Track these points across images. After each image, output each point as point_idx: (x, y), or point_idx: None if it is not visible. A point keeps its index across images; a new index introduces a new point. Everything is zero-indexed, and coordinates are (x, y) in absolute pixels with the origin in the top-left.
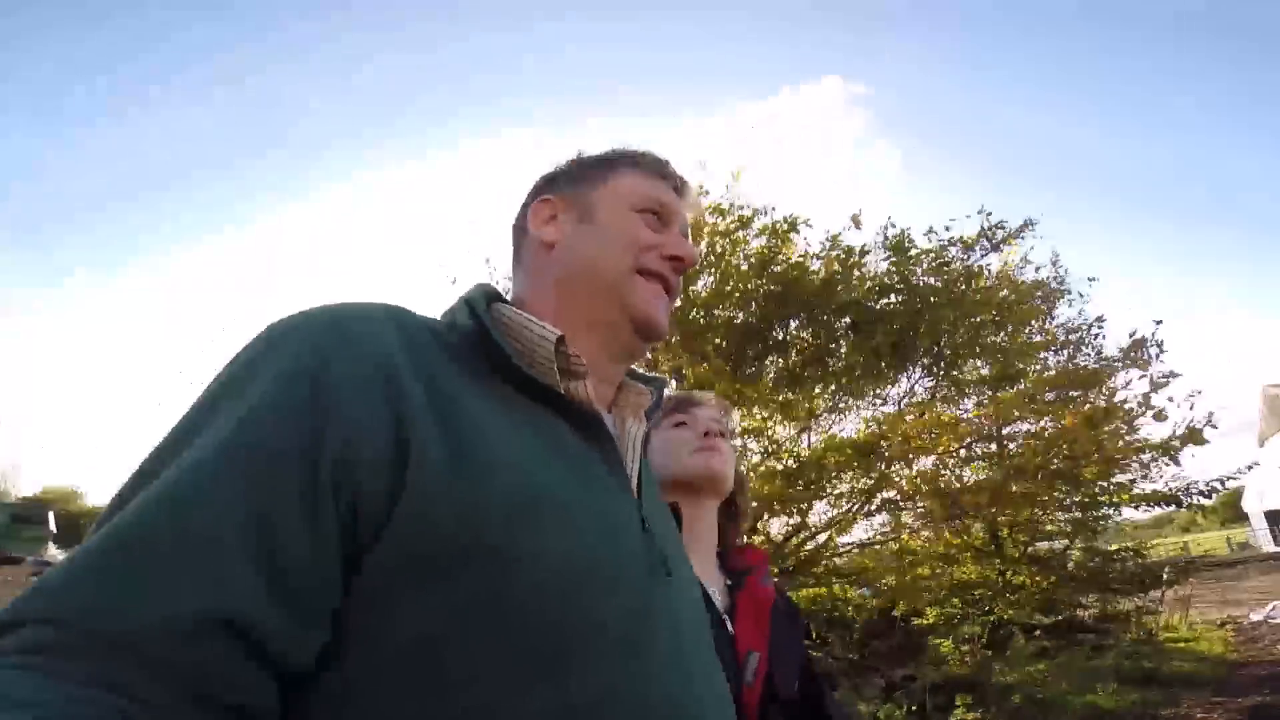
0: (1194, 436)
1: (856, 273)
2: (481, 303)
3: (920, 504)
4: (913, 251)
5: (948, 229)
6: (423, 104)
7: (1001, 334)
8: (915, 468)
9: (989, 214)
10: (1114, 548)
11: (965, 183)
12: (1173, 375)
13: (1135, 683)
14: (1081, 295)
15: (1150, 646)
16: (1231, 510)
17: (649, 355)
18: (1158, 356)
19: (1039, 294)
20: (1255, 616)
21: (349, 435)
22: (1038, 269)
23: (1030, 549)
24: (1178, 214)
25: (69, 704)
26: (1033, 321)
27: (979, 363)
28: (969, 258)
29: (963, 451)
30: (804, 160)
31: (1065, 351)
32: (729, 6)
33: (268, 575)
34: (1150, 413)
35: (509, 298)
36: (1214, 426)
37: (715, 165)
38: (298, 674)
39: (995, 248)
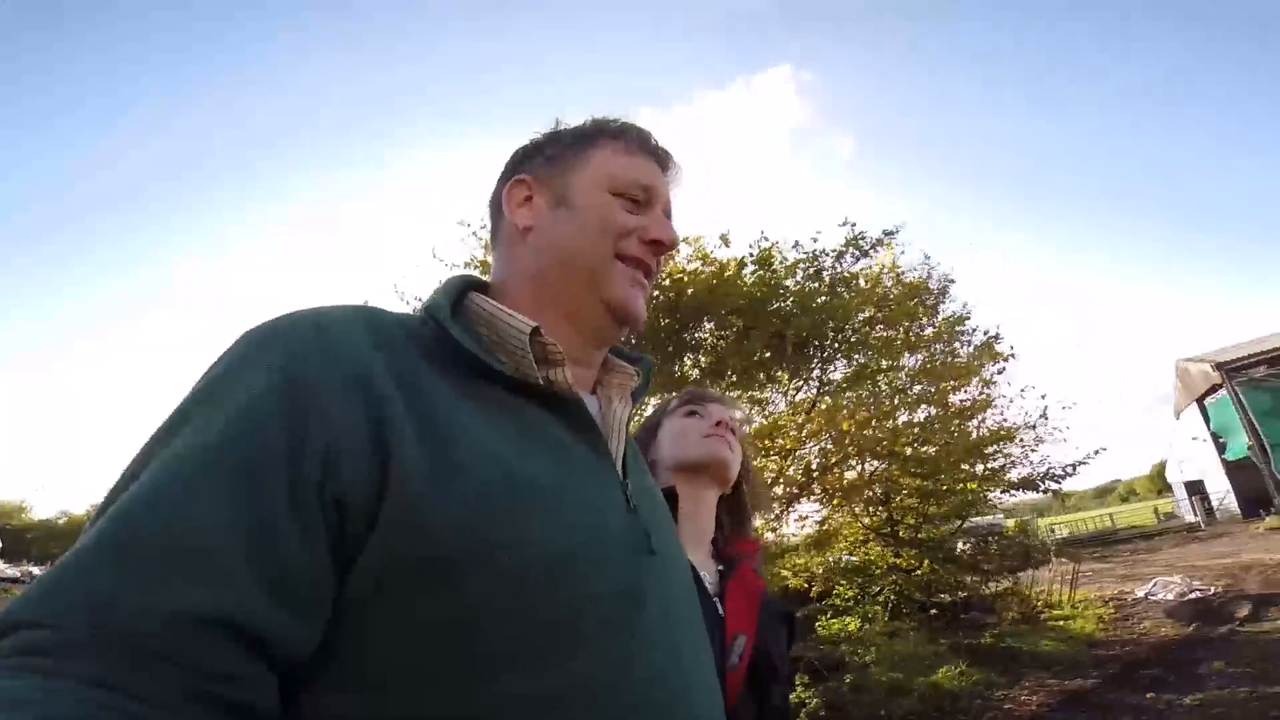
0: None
1: (739, 283)
2: (444, 302)
3: (817, 494)
4: (777, 264)
5: (815, 240)
6: (392, 106)
7: (889, 330)
8: (803, 459)
9: (853, 224)
10: (992, 530)
11: (917, 165)
12: (1008, 357)
13: (992, 662)
14: (947, 289)
15: (1029, 625)
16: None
17: None
18: (1010, 351)
19: (922, 293)
20: (1139, 592)
21: (330, 437)
22: (928, 269)
23: (920, 533)
24: (1109, 199)
25: (72, 704)
26: (920, 318)
27: (859, 358)
28: (840, 266)
29: (850, 445)
30: (755, 150)
31: (938, 346)
32: (680, 4)
33: (262, 572)
34: (1005, 403)
35: (491, 279)
36: (1045, 419)
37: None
38: (295, 671)
39: (864, 254)
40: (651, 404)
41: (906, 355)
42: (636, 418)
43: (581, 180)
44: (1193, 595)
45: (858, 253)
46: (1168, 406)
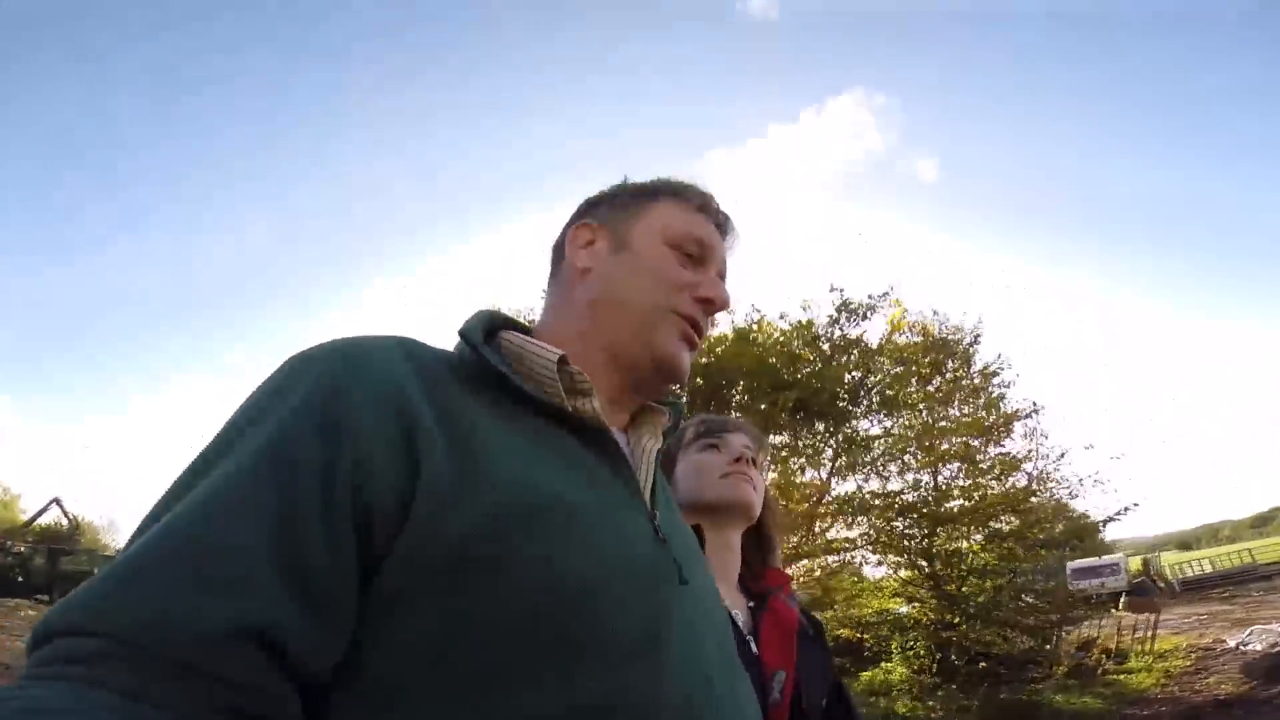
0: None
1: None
2: (478, 330)
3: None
4: (758, 338)
5: (804, 309)
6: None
7: (914, 386)
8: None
9: (841, 290)
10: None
11: (1002, 183)
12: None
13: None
14: (979, 338)
15: (1079, 679)
16: None
17: None
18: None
19: (934, 349)
20: (1232, 641)
21: (363, 453)
22: (941, 323)
23: (964, 587)
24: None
25: (100, 714)
26: (946, 372)
27: (880, 418)
28: (833, 332)
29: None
30: (834, 178)
31: (970, 403)
32: (730, 45)
33: (291, 586)
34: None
35: (538, 321)
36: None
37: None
38: (318, 682)
39: (864, 316)
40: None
41: (927, 410)
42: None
43: (642, 230)
44: None
45: (856, 317)
46: None
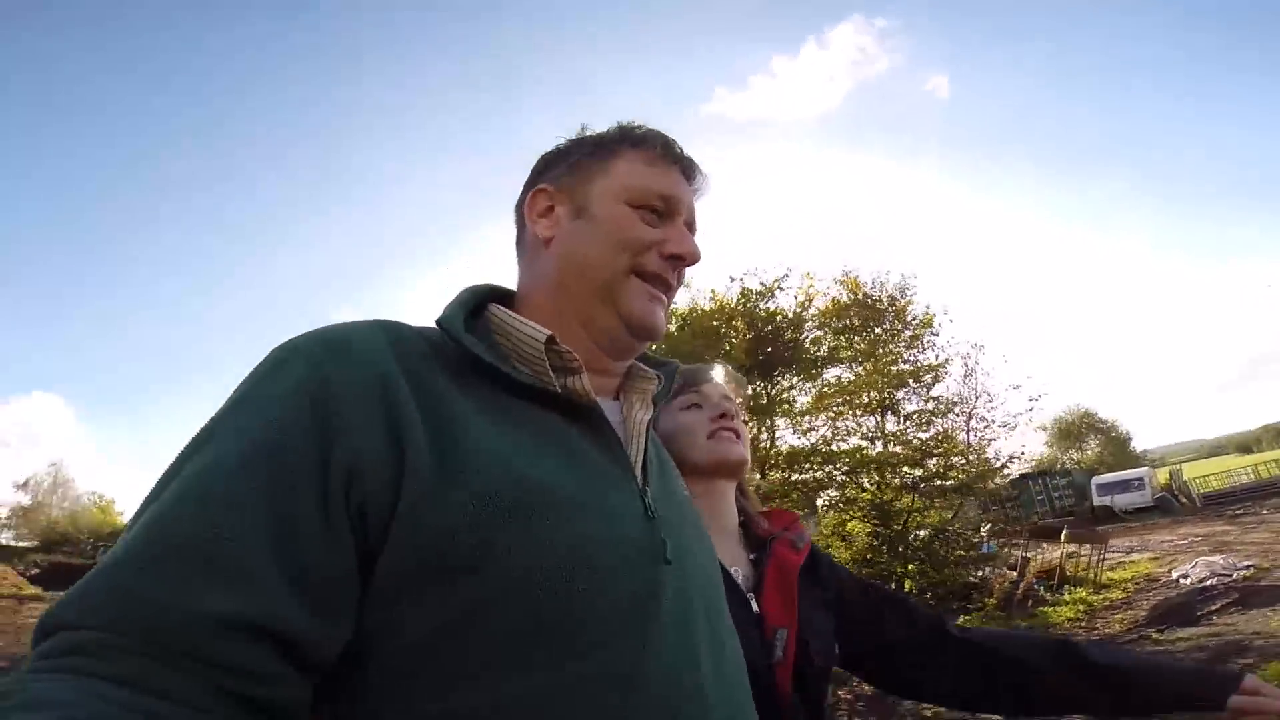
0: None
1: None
2: (458, 317)
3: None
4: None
5: (728, 286)
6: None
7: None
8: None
9: (741, 279)
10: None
11: (1017, 94)
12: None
13: None
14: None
15: (1007, 612)
16: None
17: None
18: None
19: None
20: (1176, 573)
21: (352, 443)
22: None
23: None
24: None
25: (100, 705)
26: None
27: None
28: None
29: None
30: (843, 107)
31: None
32: None
33: (291, 575)
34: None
35: (516, 287)
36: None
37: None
38: (322, 671)
39: (770, 296)
40: None
41: (860, 364)
42: None
43: (601, 191)
44: (1211, 580)
45: (761, 299)
46: None
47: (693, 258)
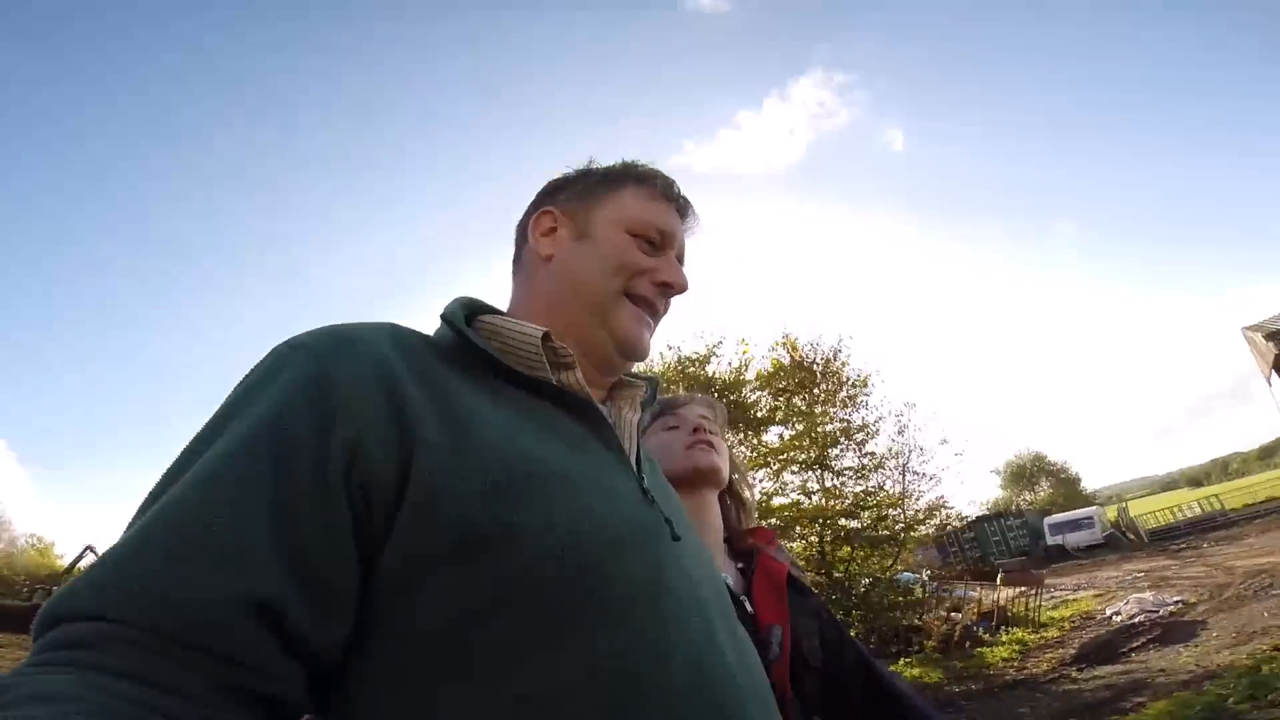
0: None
1: None
2: (460, 314)
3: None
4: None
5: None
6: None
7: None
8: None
9: (678, 348)
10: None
11: (968, 142)
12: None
13: None
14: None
15: (945, 655)
16: None
17: None
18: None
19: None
20: (1110, 610)
21: (355, 432)
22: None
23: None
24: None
25: (101, 698)
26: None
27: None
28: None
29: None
30: (810, 158)
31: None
32: (680, 40)
33: (290, 563)
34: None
35: (508, 305)
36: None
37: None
38: (325, 663)
39: (704, 364)
40: None
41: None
42: None
43: (604, 218)
44: (1139, 618)
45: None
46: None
47: (681, 287)
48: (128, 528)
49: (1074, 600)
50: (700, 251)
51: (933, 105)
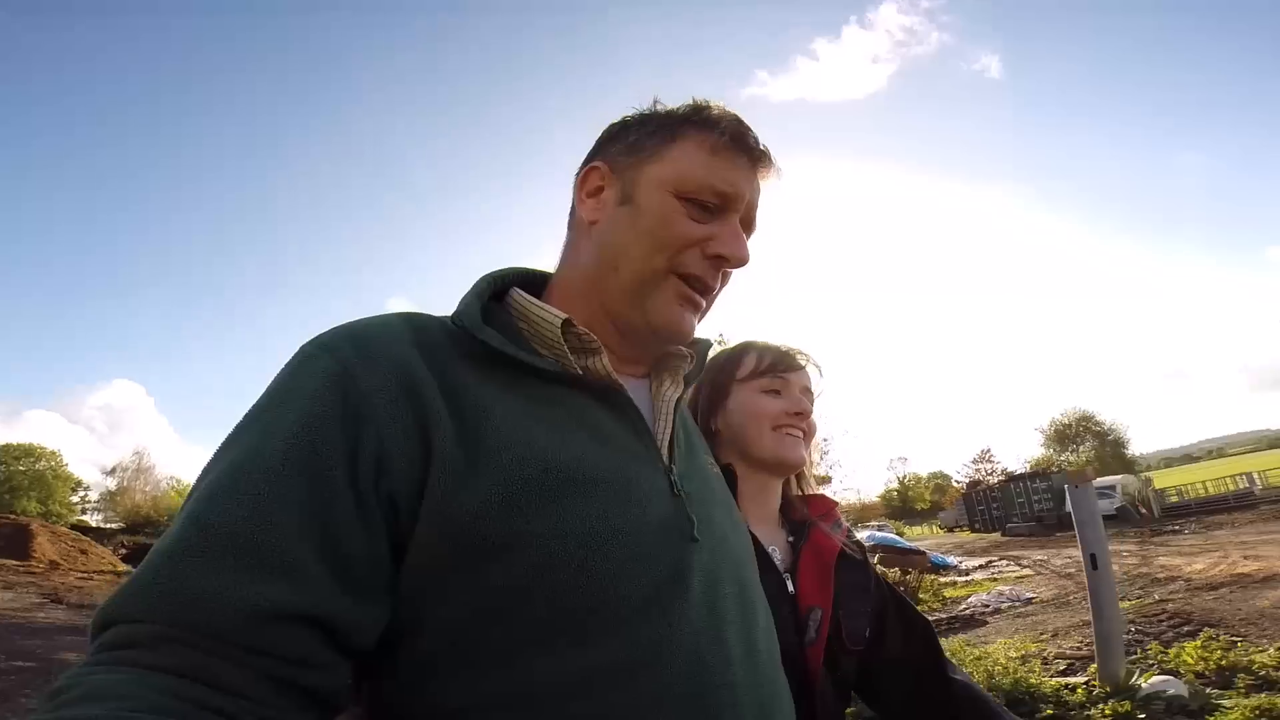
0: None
1: None
2: (475, 307)
3: None
4: None
5: None
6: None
7: None
8: None
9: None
10: None
11: (1073, 65)
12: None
13: None
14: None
15: None
16: None
17: None
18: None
19: None
20: (973, 598)
21: (381, 439)
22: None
23: None
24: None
25: (156, 695)
26: None
27: None
28: None
29: None
30: (894, 94)
31: None
32: None
33: (331, 564)
34: None
35: (556, 266)
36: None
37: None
38: (363, 655)
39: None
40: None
41: None
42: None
43: (651, 177)
44: (981, 609)
45: None
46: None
47: (739, 260)
48: (172, 525)
49: (975, 583)
50: (772, 198)
51: (1032, 24)
